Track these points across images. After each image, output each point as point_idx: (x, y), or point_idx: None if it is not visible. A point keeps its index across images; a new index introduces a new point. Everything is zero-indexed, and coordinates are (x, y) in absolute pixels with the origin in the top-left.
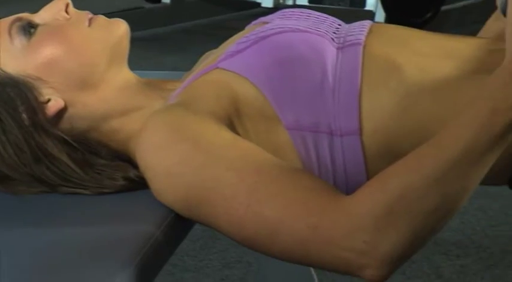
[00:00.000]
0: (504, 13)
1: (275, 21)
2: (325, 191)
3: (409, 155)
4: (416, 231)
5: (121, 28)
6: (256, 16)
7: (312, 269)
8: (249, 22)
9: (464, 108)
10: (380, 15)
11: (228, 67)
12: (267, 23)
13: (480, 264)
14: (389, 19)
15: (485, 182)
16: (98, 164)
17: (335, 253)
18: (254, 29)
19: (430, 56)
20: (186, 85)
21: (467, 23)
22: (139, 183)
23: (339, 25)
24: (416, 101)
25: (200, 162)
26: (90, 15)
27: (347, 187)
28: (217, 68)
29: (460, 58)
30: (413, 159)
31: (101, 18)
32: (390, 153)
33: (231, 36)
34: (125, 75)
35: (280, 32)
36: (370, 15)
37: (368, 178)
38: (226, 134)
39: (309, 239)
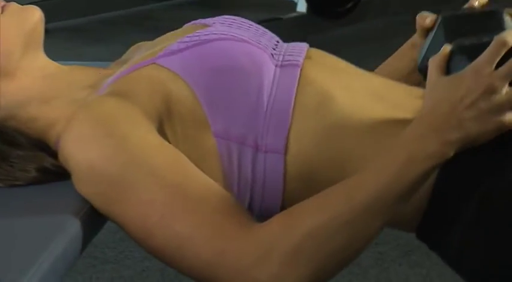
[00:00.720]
0: (421, 72)
1: (217, 26)
2: (240, 217)
3: (324, 192)
4: (322, 269)
5: (35, 14)
6: (180, 6)
7: None
8: (173, 12)
9: (382, 154)
10: (302, 5)
11: (166, 64)
12: (208, 25)
13: (398, 250)
14: (312, 9)
15: (395, 226)
16: (12, 156)
17: (240, 280)
18: (196, 29)
19: (359, 93)
20: (120, 76)
21: (388, 13)
22: (53, 175)
23: (277, 42)
24: (342, 134)
25: (124, 161)
26: (3, 2)
27: (262, 203)
28: (155, 63)
29: (387, 101)
30: (327, 198)
31: (14, 5)
32: (309, 178)
33: (155, 27)
34: (41, 62)
35: (223, 39)
36: (292, 5)
37: (283, 198)
38: (155, 139)
39: (215, 262)
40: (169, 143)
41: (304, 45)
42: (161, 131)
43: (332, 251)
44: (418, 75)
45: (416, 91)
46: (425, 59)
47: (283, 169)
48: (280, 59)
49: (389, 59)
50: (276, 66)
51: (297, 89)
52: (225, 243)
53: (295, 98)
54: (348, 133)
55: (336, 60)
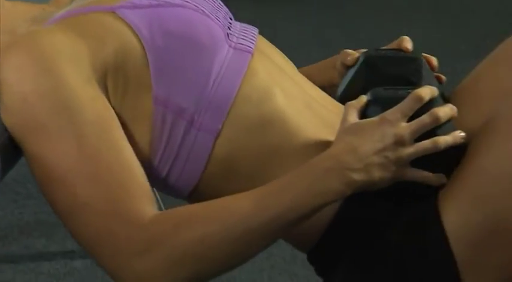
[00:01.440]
0: (340, 102)
1: None
2: (143, 201)
3: (226, 201)
4: (198, 275)
5: None
6: None
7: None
8: None
9: (286, 176)
10: None
11: (126, 17)
12: None
13: None
14: None
15: (292, 244)
16: None
17: (116, 263)
18: None
19: (297, 99)
20: (72, 14)
21: None
22: None
23: (231, 19)
24: (273, 132)
25: (55, 104)
26: None
27: (177, 179)
28: (114, 12)
29: (317, 115)
30: (228, 209)
31: None
32: (230, 167)
33: None
34: None
35: (186, 7)
36: None
37: (199, 180)
38: (92, 90)
39: (100, 239)
40: (108, 96)
41: (255, 31)
42: (102, 83)
43: (215, 261)
44: (333, 91)
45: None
46: (344, 93)
47: (210, 151)
48: (234, 40)
49: (310, 68)
50: (230, 46)
51: (243, 77)
52: (117, 224)
53: (240, 84)
54: (278, 133)
55: (280, 57)
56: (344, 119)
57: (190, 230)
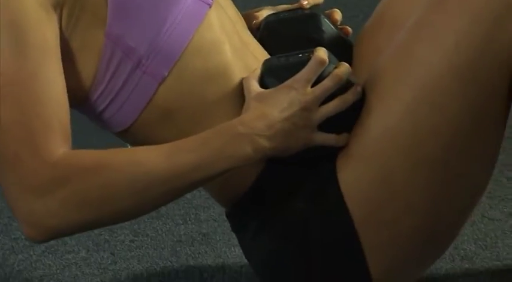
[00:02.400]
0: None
1: None
2: (59, 138)
3: (136, 152)
4: (95, 220)
5: None
6: None
7: None
8: None
9: (200, 138)
10: None
11: None
12: None
13: None
14: None
15: (215, 198)
16: None
17: (15, 192)
18: None
19: (241, 56)
20: None
21: None
22: None
23: None
24: (216, 88)
25: (4, 17)
26: None
27: (113, 116)
28: None
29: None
30: (136, 160)
31: None
32: (167, 114)
33: None
34: None
35: None
36: None
37: (135, 121)
38: (44, 15)
39: (7, 164)
40: (60, 22)
41: None
42: (58, 9)
43: (114, 210)
44: None
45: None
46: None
47: (151, 95)
48: None
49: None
50: None
51: (197, 28)
52: (27, 154)
53: (193, 35)
54: (220, 90)
55: (233, 10)
56: (248, 91)
57: (95, 176)
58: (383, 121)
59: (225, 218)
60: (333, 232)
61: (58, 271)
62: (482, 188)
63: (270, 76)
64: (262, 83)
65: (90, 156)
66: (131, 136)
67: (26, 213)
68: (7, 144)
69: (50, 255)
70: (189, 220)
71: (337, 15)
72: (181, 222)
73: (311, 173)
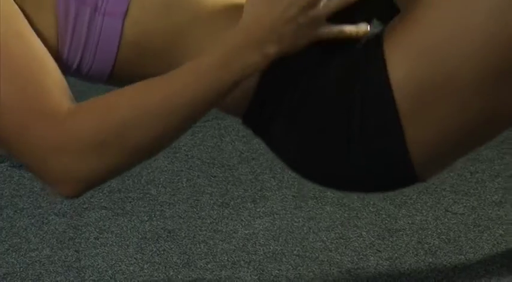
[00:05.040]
0: None
1: None
2: (57, 93)
3: (139, 86)
4: (118, 165)
5: None
6: None
7: None
8: None
9: (201, 56)
10: None
11: None
12: None
13: None
14: None
15: (224, 111)
16: None
17: (36, 160)
18: None
19: None
20: None
21: None
22: None
23: None
24: (180, 10)
25: None
26: None
27: (92, 65)
28: None
29: None
30: (142, 94)
31: None
32: (143, 47)
33: None
34: None
35: None
36: None
37: (115, 63)
38: None
39: (15, 134)
40: None
41: None
42: None
43: (135, 149)
44: None
45: None
46: None
47: (119, 35)
48: None
49: None
50: None
51: None
52: (34, 121)
53: None
54: (185, 10)
55: None
56: None
57: (107, 121)
58: (461, 17)
59: (191, 215)
60: (376, 121)
61: (21, 269)
62: None
63: None
64: None
65: (96, 103)
66: (119, 79)
67: (58, 171)
68: (10, 120)
69: (14, 254)
70: (154, 217)
71: None
72: (146, 219)
73: (351, 50)
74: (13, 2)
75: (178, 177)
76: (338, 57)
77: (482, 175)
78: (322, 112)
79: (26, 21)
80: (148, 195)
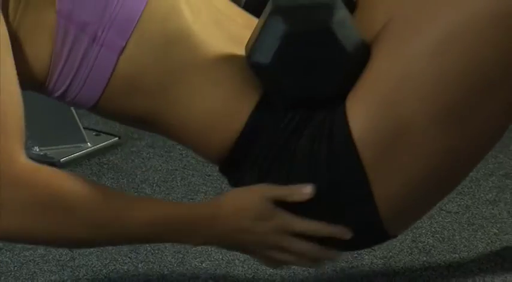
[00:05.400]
0: (249, 65)
1: None
2: (17, 139)
3: (100, 192)
4: (32, 235)
5: None
6: None
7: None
8: None
9: (168, 206)
10: None
11: None
12: None
13: None
14: None
15: (203, 157)
16: None
17: None
18: None
19: (203, 13)
20: None
21: None
22: None
23: None
24: (178, 50)
25: None
26: None
27: (79, 93)
28: None
29: (224, 28)
30: (98, 200)
31: None
32: (133, 83)
33: None
34: None
35: None
36: None
37: (101, 97)
38: None
39: None
40: (7, 8)
41: None
42: None
43: (60, 233)
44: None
45: (254, 22)
46: (255, 51)
47: (112, 68)
48: None
49: None
50: None
51: None
52: None
53: (147, 3)
54: (183, 51)
55: None
56: (246, 197)
57: (58, 194)
58: (406, 65)
59: None
60: (342, 175)
61: (16, 268)
62: (490, 146)
63: (277, 15)
64: (267, 21)
65: (54, 180)
66: (101, 110)
67: None
68: None
69: (8, 253)
70: None
71: None
72: None
73: (310, 113)
74: (6, 31)
75: (173, 176)
76: (309, 122)
77: (477, 174)
78: (292, 175)
79: (9, 51)
80: (143, 194)
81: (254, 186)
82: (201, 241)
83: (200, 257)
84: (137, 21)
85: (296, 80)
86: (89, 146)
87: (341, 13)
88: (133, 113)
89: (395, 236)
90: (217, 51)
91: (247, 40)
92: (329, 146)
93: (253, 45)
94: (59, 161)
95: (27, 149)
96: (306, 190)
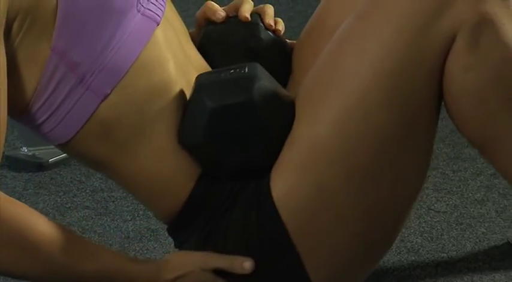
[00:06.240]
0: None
1: None
2: None
3: (61, 233)
4: None
5: None
6: None
7: None
8: None
9: (117, 260)
10: None
11: None
12: None
13: None
14: None
15: (155, 215)
16: None
17: None
18: None
19: (184, 70)
20: None
21: None
22: None
23: None
24: (157, 104)
25: None
26: None
27: (52, 131)
28: None
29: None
30: (66, 245)
31: None
32: (108, 129)
33: None
34: None
35: None
36: None
37: (73, 137)
38: None
39: None
40: (8, 35)
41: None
42: (9, 23)
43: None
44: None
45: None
46: (185, 132)
47: (92, 111)
48: (144, 4)
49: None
50: (138, 11)
51: (143, 47)
52: None
53: (139, 54)
54: (161, 105)
55: (178, 21)
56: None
57: (21, 236)
58: (313, 132)
59: None
60: (270, 242)
61: None
62: (416, 193)
63: (200, 92)
64: (194, 99)
65: (21, 216)
66: (71, 149)
67: None
68: None
69: None
70: (138, 216)
71: (270, 10)
72: (129, 218)
73: (245, 184)
74: (4, 56)
75: None
76: (242, 192)
77: (465, 173)
78: (227, 244)
79: (5, 81)
80: (131, 194)
81: (198, 253)
82: None
83: None
84: (126, 71)
85: (227, 153)
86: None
87: (262, 82)
88: (96, 158)
89: None
90: (183, 108)
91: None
92: (257, 215)
93: (183, 126)
94: (48, 161)
95: (16, 149)
96: (247, 265)
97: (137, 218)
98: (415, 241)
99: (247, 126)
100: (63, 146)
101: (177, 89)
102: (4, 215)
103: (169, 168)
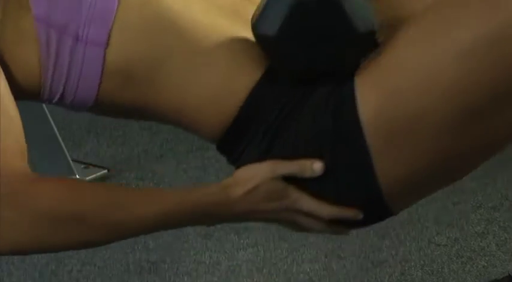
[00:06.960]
0: (256, 35)
1: None
2: (18, 152)
3: (110, 192)
4: (45, 246)
5: None
6: None
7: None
8: None
9: (176, 193)
10: None
11: None
12: None
13: None
14: None
15: (196, 134)
16: None
17: None
18: None
19: None
20: None
21: None
22: None
23: None
24: (163, 32)
25: None
26: None
27: (75, 96)
28: None
29: (212, 2)
30: (109, 202)
31: None
32: (127, 75)
33: None
34: None
35: None
36: None
37: (98, 93)
38: None
39: None
40: None
41: None
42: None
43: (67, 241)
44: None
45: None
46: (261, 22)
47: (102, 63)
48: None
49: None
50: None
51: None
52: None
53: None
54: (168, 32)
55: None
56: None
57: (66, 205)
58: (430, 60)
59: (174, 246)
60: (347, 156)
61: None
62: (501, 148)
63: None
64: (263, 12)
65: (65, 186)
66: (103, 107)
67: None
68: None
69: None
70: (137, 249)
71: None
72: (129, 250)
73: (312, 88)
74: None
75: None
76: (313, 96)
77: (465, 206)
78: (295, 149)
79: (1, 71)
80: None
81: (264, 163)
82: (215, 222)
83: None
84: (115, 12)
85: (302, 50)
86: (78, 179)
87: None
88: (132, 104)
89: (395, 214)
90: (206, 27)
91: (241, 9)
92: (334, 122)
93: (259, 16)
94: None
95: None
96: (317, 166)
97: (137, 251)
98: (415, 274)
99: (327, 26)
100: (95, 108)
101: (180, 12)
102: (42, 195)
103: (214, 76)
